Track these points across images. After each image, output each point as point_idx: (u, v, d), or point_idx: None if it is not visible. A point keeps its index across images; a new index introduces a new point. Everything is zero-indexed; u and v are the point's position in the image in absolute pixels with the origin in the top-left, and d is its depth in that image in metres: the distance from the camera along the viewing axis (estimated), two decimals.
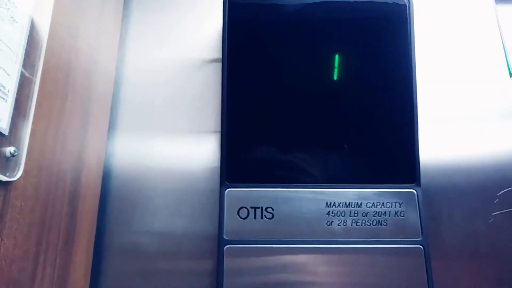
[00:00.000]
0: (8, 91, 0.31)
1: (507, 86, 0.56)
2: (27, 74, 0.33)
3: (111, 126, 0.52)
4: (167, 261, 0.47)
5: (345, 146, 0.48)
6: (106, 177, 0.50)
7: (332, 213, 0.46)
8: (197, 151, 0.52)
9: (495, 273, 0.48)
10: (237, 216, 0.45)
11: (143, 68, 0.55)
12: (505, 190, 0.51)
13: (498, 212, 0.50)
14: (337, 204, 0.46)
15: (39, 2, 0.35)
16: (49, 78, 0.37)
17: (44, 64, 0.36)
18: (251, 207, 0.45)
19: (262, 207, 0.45)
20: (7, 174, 0.31)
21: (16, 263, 0.33)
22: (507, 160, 0.52)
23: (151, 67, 0.55)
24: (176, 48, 0.56)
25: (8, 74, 0.31)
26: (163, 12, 0.58)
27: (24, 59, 0.33)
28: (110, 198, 0.49)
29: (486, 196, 0.51)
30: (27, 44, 0.33)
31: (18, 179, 0.32)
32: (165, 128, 0.53)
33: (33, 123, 0.34)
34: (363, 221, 0.45)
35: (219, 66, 0.53)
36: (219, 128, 0.49)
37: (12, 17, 0.32)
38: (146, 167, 0.51)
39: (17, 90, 0.32)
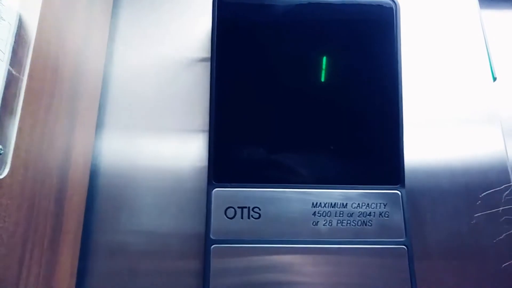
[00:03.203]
0: None
1: (490, 90, 0.57)
2: (14, 72, 0.33)
3: (99, 125, 0.52)
4: (153, 260, 0.47)
5: (332, 147, 0.49)
6: (93, 175, 0.50)
7: (318, 213, 0.46)
8: (185, 150, 0.52)
9: (477, 273, 0.49)
10: (224, 216, 0.45)
11: (132, 67, 0.55)
12: (487, 192, 0.52)
13: (480, 214, 0.51)
14: (323, 205, 0.46)
15: None
16: (36, 76, 0.37)
17: (31, 62, 0.35)
18: (238, 207, 0.46)
19: (249, 207, 0.46)
20: None
21: (1, 261, 0.32)
22: (489, 163, 0.53)
23: (139, 65, 0.55)
24: (165, 47, 0.56)
25: None
26: (152, 10, 0.58)
27: (12, 57, 0.33)
28: (97, 197, 0.49)
29: (469, 198, 0.52)
30: (15, 42, 0.33)
31: (4, 177, 0.32)
32: (153, 126, 0.53)
33: (20, 121, 0.34)
34: (348, 222, 0.46)
35: (208, 65, 0.54)
36: (207, 127, 0.50)
37: None
38: (133, 166, 0.51)
39: (4, 89, 0.32)
